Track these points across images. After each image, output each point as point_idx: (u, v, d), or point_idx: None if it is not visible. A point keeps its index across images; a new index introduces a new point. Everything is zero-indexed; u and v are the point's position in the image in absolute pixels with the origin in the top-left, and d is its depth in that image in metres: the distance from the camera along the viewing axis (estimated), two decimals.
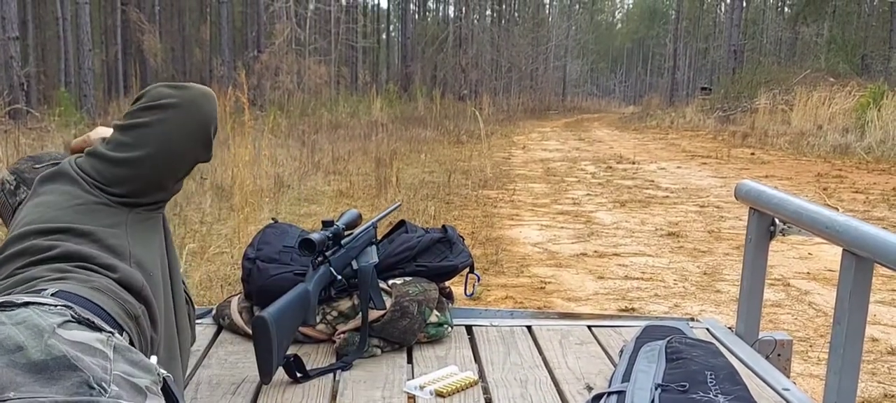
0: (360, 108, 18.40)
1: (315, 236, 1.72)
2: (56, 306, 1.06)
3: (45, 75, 22.93)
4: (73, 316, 1.05)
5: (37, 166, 1.63)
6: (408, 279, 1.89)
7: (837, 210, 1.71)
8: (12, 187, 1.63)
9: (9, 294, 1.10)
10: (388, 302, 1.81)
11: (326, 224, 1.80)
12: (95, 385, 0.97)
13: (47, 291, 1.11)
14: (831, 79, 18.36)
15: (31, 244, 1.27)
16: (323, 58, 23.12)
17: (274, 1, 22.98)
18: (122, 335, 1.13)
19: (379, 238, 1.98)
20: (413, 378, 1.68)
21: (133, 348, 1.10)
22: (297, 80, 19.27)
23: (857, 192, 8.46)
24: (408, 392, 1.60)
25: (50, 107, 15.72)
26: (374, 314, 1.79)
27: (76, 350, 0.99)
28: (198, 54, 27.38)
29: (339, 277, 1.78)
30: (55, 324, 1.01)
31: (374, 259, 1.86)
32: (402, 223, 2.09)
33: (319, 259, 1.77)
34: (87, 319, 1.07)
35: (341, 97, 20.89)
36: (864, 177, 9.70)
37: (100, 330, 1.06)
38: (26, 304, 1.05)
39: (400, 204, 2.21)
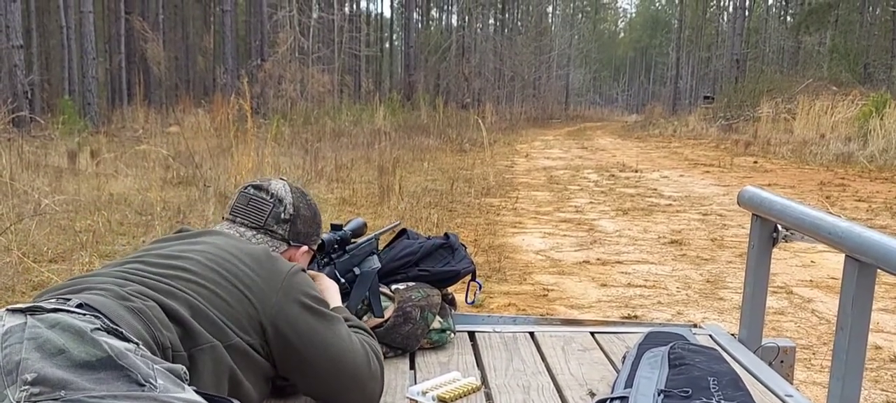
0: (364, 117, 18.40)
1: (326, 237, 1.75)
2: (85, 314, 1.09)
3: (48, 83, 23.00)
4: (102, 325, 1.07)
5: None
6: (410, 284, 1.89)
7: (840, 217, 1.71)
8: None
9: (38, 301, 1.11)
10: (391, 307, 1.81)
11: (335, 227, 1.82)
12: (144, 382, 1.00)
13: (72, 302, 1.13)
14: (834, 88, 18.36)
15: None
16: (326, 66, 23.12)
17: (277, 10, 23.04)
18: None
19: (380, 248, 1.99)
20: (416, 383, 1.68)
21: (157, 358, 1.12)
22: (300, 89, 19.29)
23: (859, 201, 8.45)
24: (410, 398, 1.60)
25: (54, 116, 15.76)
26: (375, 321, 1.80)
27: (116, 352, 1.01)
28: (201, 63, 27.45)
29: (343, 281, 1.79)
30: (89, 328, 1.04)
31: (377, 265, 1.87)
32: (403, 232, 2.10)
33: (325, 260, 1.78)
34: (117, 329, 1.09)
35: (344, 105, 20.90)
36: (866, 186, 9.69)
37: (128, 340, 1.08)
38: (56, 310, 1.07)
39: (400, 224, 2.23)
